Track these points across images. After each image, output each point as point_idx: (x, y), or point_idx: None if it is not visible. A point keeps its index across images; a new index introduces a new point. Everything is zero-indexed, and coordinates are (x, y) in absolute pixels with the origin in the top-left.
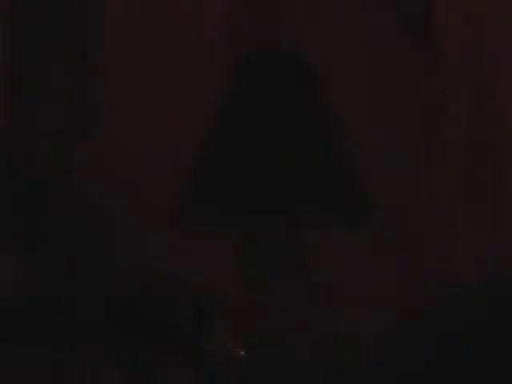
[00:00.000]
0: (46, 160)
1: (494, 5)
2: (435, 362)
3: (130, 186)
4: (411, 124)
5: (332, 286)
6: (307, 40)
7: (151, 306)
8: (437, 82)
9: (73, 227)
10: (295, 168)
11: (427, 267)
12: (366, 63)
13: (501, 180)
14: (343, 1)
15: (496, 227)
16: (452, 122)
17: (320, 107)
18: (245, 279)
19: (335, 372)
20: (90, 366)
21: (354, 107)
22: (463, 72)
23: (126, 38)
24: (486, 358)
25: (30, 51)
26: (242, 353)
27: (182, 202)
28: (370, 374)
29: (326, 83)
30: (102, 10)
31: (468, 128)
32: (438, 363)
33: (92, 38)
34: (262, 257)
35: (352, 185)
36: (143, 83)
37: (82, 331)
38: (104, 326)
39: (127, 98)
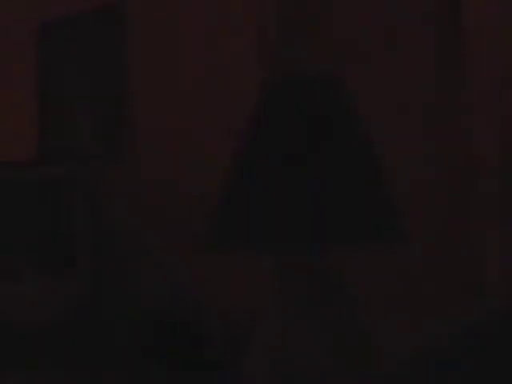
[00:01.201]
0: (76, 185)
1: None
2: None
3: (161, 211)
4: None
5: (368, 307)
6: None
7: (185, 331)
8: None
9: (103, 251)
10: (330, 189)
11: (460, 291)
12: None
13: None
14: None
15: None
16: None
17: (353, 127)
18: (281, 303)
19: None
20: None
21: (382, 123)
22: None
23: (154, 67)
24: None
25: (61, 80)
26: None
27: (217, 226)
28: None
29: (359, 105)
30: (131, 42)
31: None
32: None
33: (122, 68)
34: (298, 280)
35: (388, 204)
36: (173, 111)
37: (119, 355)
38: (140, 350)
39: (156, 125)
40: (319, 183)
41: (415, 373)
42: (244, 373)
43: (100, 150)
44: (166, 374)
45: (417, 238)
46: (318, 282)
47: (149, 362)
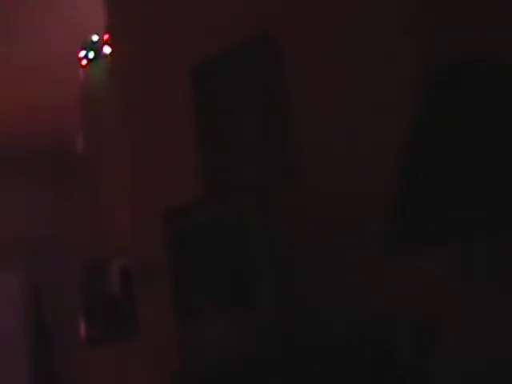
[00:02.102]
0: (251, 216)
1: None
2: None
3: (335, 230)
4: None
5: None
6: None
7: (397, 349)
8: None
9: (283, 280)
10: (506, 176)
11: None
12: None
13: None
14: None
15: None
16: None
17: None
18: (465, 297)
19: None
20: None
21: None
22: None
23: (314, 90)
24: None
25: (223, 113)
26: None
27: (393, 228)
28: None
29: None
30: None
31: None
32: None
33: (279, 92)
34: (483, 269)
35: None
36: (334, 127)
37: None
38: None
39: (321, 147)
40: (492, 169)
41: None
42: (435, 374)
43: (271, 176)
44: None
45: None
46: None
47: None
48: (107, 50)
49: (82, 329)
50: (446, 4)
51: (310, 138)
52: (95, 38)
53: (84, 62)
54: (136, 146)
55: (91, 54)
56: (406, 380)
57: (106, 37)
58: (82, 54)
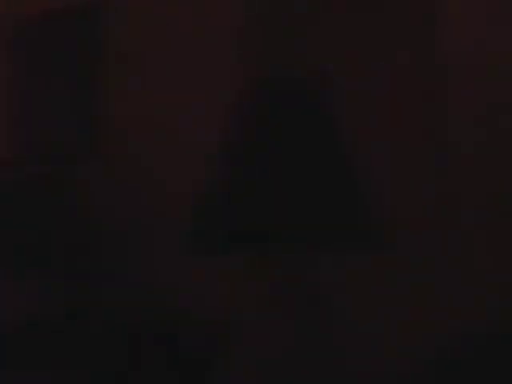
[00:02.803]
0: (52, 184)
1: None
2: None
3: (139, 211)
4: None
5: (344, 311)
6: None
7: (163, 333)
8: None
9: (79, 251)
10: (307, 193)
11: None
12: (373, 78)
13: None
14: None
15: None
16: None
17: (330, 131)
18: (258, 303)
19: None
20: None
21: (361, 128)
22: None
23: (133, 59)
24: None
25: (33, 79)
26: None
27: (195, 228)
28: None
29: (335, 107)
30: (105, 36)
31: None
32: None
33: (95, 62)
34: (275, 281)
35: (365, 210)
36: (153, 108)
37: (95, 355)
38: (116, 352)
39: (135, 123)
40: (294, 184)
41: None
42: (225, 373)
43: (75, 148)
44: (139, 376)
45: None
46: (294, 280)
47: (124, 364)
48: None
49: None
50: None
51: (124, 118)
52: None
53: None
54: None
55: None
56: (201, 377)
57: None
58: None
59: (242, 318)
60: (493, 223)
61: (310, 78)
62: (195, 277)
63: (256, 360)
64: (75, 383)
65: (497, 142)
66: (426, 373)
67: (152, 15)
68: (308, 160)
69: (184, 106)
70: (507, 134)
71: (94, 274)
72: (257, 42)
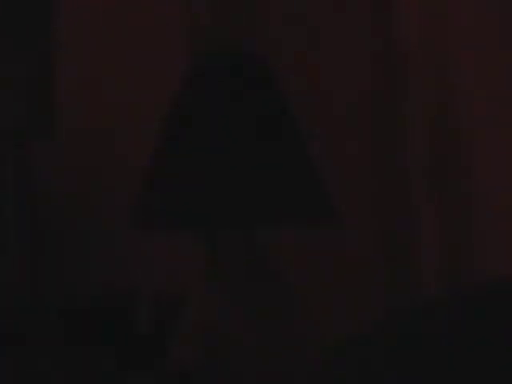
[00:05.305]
0: (2, 161)
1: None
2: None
3: (89, 185)
4: (374, 123)
5: (294, 286)
6: (268, 40)
7: (111, 308)
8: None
9: (30, 230)
10: (256, 167)
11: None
12: (324, 63)
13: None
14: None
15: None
16: (413, 118)
17: (280, 108)
18: (207, 279)
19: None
20: (49, 374)
21: (313, 104)
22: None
23: (81, 33)
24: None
25: None
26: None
27: (142, 202)
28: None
29: (286, 82)
30: (59, 10)
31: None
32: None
33: (47, 34)
34: (223, 256)
35: (314, 184)
36: (101, 83)
37: (39, 335)
38: (62, 329)
39: (84, 97)
40: (247, 164)
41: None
42: (174, 352)
43: (26, 123)
44: (91, 353)
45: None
46: (248, 260)
47: (77, 348)
48: None
49: None
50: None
51: (74, 92)
52: None
53: None
54: None
55: None
56: (145, 353)
57: None
58: None
59: (189, 294)
60: None
61: (259, 53)
62: (144, 252)
63: (204, 334)
64: (29, 367)
65: None
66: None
67: None
68: (261, 135)
69: (133, 79)
70: None
71: (50, 257)
72: (205, 16)
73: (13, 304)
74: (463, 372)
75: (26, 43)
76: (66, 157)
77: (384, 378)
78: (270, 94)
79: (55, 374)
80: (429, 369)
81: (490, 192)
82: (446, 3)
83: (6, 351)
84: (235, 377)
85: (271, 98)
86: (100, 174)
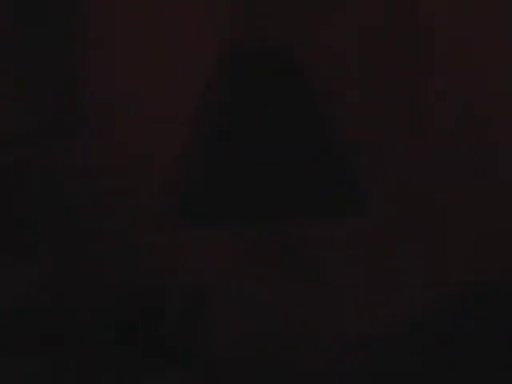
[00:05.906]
0: (30, 163)
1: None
2: (429, 361)
3: (122, 187)
4: (399, 109)
5: (328, 277)
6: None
7: (140, 307)
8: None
9: (61, 232)
10: (287, 159)
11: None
12: (353, 59)
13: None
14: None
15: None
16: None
17: (309, 99)
18: (246, 272)
19: (330, 369)
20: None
21: (342, 98)
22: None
23: (109, 34)
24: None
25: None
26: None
27: (181, 198)
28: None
29: (315, 76)
30: (85, 16)
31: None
32: (433, 363)
33: (74, 41)
34: (261, 249)
35: (343, 175)
36: (130, 84)
37: (74, 336)
38: (93, 329)
39: (114, 99)
40: (280, 156)
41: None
42: (203, 347)
43: (55, 124)
44: (125, 355)
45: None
46: (281, 254)
47: (110, 344)
48: None
49: None
50: None
51: (104, 94)
52: None
53: None
54: None
55: None
56: (174, 340)
57: None
58: None
59: (226, 288)
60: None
61: (284, 50)
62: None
63: (241, 323)
64: (66, 367)
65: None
66: (413, 333)
67: None
68: (291, 131)
69: (159, 80)
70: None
71: (82, 253)
72: (229, 15)
73: (49, 305)
74: None
75: (52, 44)
76: (91, 156)
77: None
78: (299, 86)
79: (93, 373)
80: None
81: None
82: None
83: (44, 351)
84: (268, 368)
85: (301, 89)
86: (125, 173)
